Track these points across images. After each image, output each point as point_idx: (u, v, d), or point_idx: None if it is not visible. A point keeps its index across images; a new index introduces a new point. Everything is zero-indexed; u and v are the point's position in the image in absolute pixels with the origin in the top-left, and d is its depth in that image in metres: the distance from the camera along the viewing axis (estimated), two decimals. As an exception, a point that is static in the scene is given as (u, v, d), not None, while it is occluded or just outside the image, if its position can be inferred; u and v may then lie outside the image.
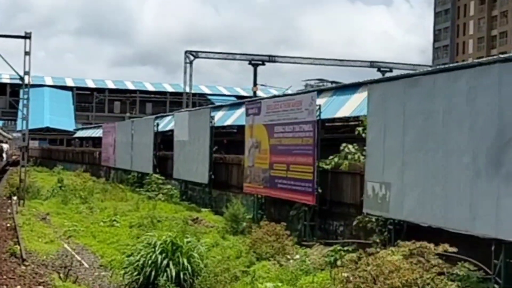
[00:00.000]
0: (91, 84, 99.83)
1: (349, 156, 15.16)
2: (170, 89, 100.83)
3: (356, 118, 22.11)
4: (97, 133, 61.76)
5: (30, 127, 28.37)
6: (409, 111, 12.31)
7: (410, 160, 12.23)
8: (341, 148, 15.62)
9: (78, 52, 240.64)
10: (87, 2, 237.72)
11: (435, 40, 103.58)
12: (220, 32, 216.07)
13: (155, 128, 33.02)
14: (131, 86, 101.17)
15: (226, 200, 23.39)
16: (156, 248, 12.07)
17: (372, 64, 72.40)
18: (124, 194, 30.00)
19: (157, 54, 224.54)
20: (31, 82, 27.68)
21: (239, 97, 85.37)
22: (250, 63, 73.40)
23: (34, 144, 78.81)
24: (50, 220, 22.62)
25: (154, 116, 37.74)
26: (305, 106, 16.59)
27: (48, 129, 79.57)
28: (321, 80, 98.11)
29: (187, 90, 70.96)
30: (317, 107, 16.31)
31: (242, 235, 18.28)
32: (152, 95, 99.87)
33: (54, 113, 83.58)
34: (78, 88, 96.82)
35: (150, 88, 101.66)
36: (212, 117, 25.35)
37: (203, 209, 24.36)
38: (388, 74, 58.81)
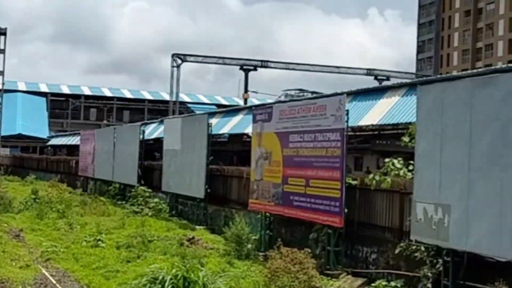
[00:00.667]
0: (66, 90, 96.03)
1: (393, 173, 12.76)
2: (148, 96, 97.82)
3: (368, 127, 19.95)
4: (72, 140, 58.72)
5: (1, 133, 25.61)
6: (478, 117, 10.04)
7: (480, 177, 9.94)
8: (385, 163, 13.25)
9: (52, 59, 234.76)
10: (61, 9, 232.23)
11: (418, 52, 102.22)
12: (196, 41, 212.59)
13: (141, 136, 30.35)
14: (108, 93, 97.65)
15: (224, 217, 21.07)
16: (166, 284, 9.57)
17: (369, 72, 70.19)
18: (106, 208, 27.33)
19: (132, 62, 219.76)
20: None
21: (220, 105, 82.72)
22: (241, 68, 70.63)
23: (5, 151, 75.30)
24: (24, 238, 20.08)
25: (139, 123, 35.04)
26: (330, 111, 14.22)
27: (20, 136, 76.06)
28: (301, 90, 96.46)
29: (174, 95, 67.56)
30: (346, 112, 13.97)
31: (248, 260, 16.03)
32: (130, 103, 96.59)
33: (27, 120, 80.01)
34: (53, 94, 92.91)
35: (128, 95, 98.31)
36: (210, 124, 22.79)
37: (197, 227, 21.92)
38: (385, 83, 56.67)
